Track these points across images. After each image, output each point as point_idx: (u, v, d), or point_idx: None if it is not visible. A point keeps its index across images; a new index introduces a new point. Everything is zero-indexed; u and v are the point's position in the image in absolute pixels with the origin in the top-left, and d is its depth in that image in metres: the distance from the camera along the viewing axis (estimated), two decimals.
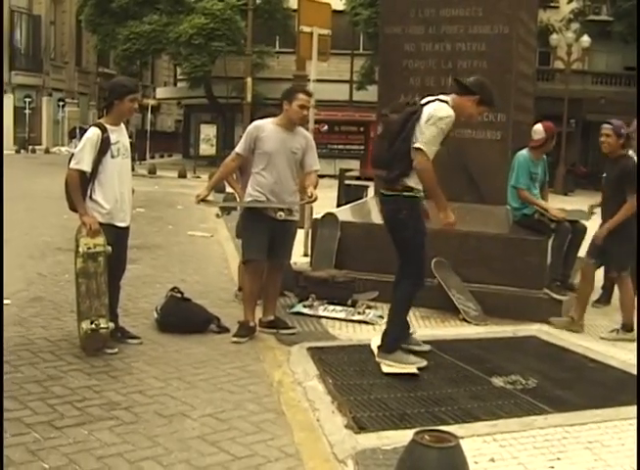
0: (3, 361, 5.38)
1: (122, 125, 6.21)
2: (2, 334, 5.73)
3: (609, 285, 8.15)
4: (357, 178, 14.13)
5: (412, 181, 5.68)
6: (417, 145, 5.55)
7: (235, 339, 6.48)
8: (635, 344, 6.62)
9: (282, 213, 6.50)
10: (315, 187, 6.57)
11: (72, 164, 5.93)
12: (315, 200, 6.54)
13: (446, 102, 5.69)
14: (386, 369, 5.71)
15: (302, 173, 6.68)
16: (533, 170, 7.82)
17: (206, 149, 36.23)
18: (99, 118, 6.35)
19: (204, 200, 6.66)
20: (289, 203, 6.58)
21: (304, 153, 6.61)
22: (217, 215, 6.68)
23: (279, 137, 6.50)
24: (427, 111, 5.64)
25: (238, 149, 6.67)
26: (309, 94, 6.72)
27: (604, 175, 7.30)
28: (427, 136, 5.55)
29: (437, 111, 5.60)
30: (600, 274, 7.84)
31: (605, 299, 8.19)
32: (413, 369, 5.70)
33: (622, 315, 7.15)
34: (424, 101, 5.79)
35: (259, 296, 6.82)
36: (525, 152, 7.86)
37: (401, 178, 5.67)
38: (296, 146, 6.55)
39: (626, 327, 7.08)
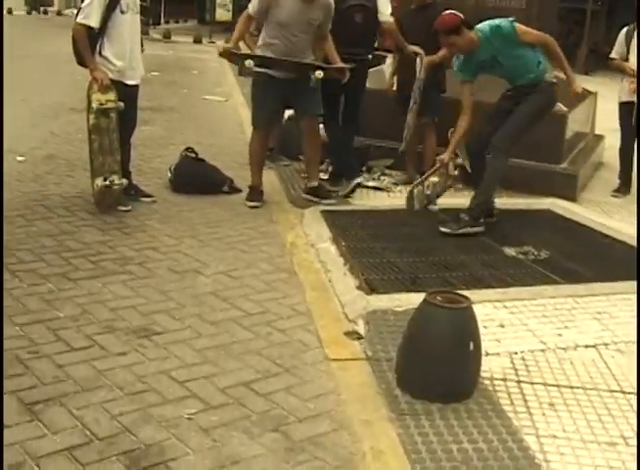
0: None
1: None
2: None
3: (625, 176, 7.92)
4: (375, 49, 13.63)
5: None
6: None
7: (250, 203, 6.41)
8: None
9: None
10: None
11: (79, 19, 5.74)
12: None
13: None
14: None
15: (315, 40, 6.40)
16: None
17: (222, 14, 35.11)
18: None
19: (231, 52, 6.27)
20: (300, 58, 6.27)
21: (322, 22, 6.28)
22: (241, 72, 6.38)
23: (296, 7, 6.14)
24: None
25: (251, 10, 6.29)
26: None
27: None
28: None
29: None
30: (616, 164, 7.72)
31: (624, 188, 7.92)
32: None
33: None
34: None
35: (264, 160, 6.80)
36: None
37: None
38: (313, 17, 6.21)
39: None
